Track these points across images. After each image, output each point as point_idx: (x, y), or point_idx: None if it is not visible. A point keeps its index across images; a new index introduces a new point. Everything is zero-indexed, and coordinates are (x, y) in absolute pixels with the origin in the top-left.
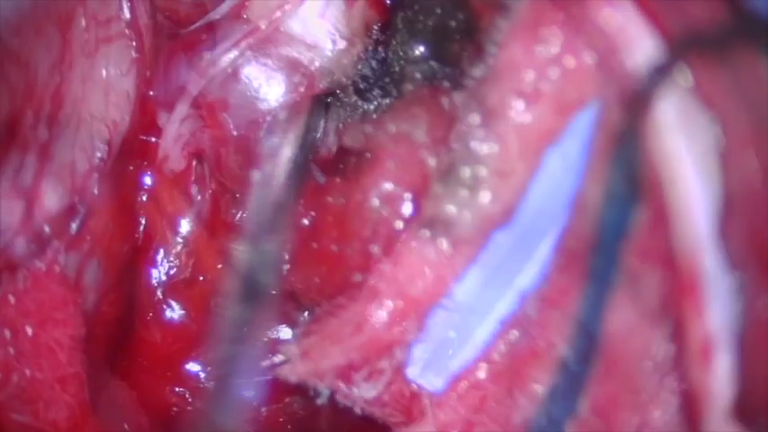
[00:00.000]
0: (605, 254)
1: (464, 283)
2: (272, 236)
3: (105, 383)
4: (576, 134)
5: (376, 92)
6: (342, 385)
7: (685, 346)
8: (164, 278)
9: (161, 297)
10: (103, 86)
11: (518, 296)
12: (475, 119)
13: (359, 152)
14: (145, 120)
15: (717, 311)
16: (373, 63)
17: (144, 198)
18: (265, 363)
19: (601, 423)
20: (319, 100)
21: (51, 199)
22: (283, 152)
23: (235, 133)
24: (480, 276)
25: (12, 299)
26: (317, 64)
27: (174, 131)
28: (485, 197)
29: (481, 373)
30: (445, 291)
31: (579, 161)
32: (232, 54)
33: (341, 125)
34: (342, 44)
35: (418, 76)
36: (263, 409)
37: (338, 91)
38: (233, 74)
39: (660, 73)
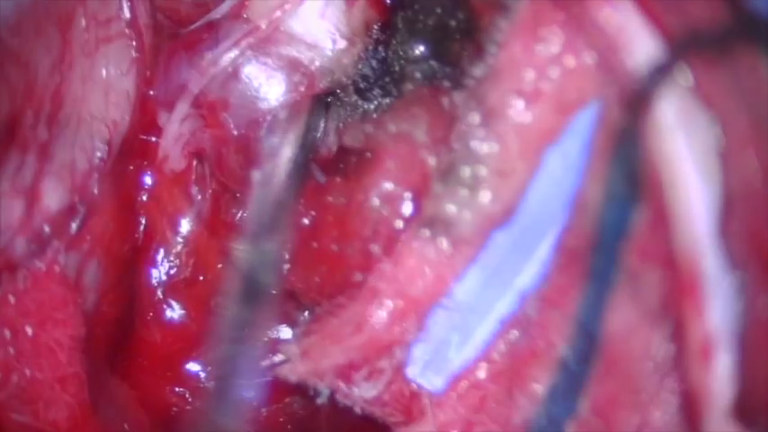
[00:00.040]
0: (605, 253)
1: (464, 282)
2: (273, 235)
3: (105, 383)
4: (576, 134)
5: (376, 91)
6: (342, 385)
7: (685, 345)
8: (164, 278)
9: (161, 297)
10: (103, 86)
11: (518, 296)
12: (475, 118)
13: (359, 152)
14: (145, 119)
15: (717, 311)
16: (373, 62)
17: (144, 198)
18: (265, 362)
19: (601, 423)
20: (319, 99)
21: (51, 199)
22: (284, 152)
23: (235, 133)
24: (480, 276)
25: (12, 299)
26: (317, 63)
27: (175, 131)
28: (485, 197)
29: (481, 373)
30: (445, 290)
31: (579, 161)
32: (232, 53)
33: (341, 125)
34: (342, 44)
35: (418, 75)
36: (263, 409)
37: (338, 90)
38: (233, 73)
39: (660, 72)
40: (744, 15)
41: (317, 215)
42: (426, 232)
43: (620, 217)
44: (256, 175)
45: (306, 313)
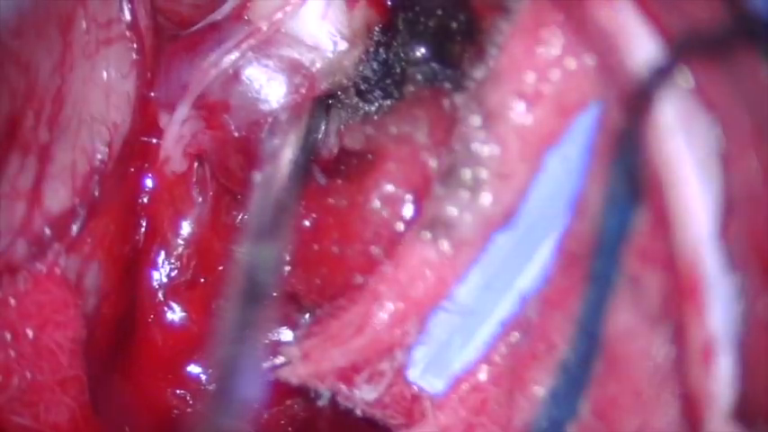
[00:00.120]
0: (606, 256)
1: (465, 284)
2: (274, 237)
3: (106, 385)
4: (577, 136)
5: (377, 93)
6: (343, 387)
7: (686, 348)
8: (165, 280)
9: (162, 299)
10: (104, 88)
11: (519, 298)
12: (476, 120)
13: (360, 153)
14: (146, 121)
15: (717, 313)
16: (374, 64)
17: (145, 200)
18: (266, 364)
19: (601, 425)
20: (320, 101)
21: (52, 201)
22: (284, 153)
23: (236, 134)
24: (481, 278)
25: (12, 301)
26: (318, 65)
27: (176, 132)
28: (486, 199)
29: (482, 375)
30: (446, 292)
31: (580, 163)
32: (233, 55)
33: (342, 126)
34: (343, 45)
35: (419, 77)
36: (264, 412)
37: (339, 92)
38: (234, 75)
39: (660, 74)
40: (744, 16)
41: (318, 217)
42: (427, 234)
43: (621, 219)
44: (257, 177)
45: (307, 315)
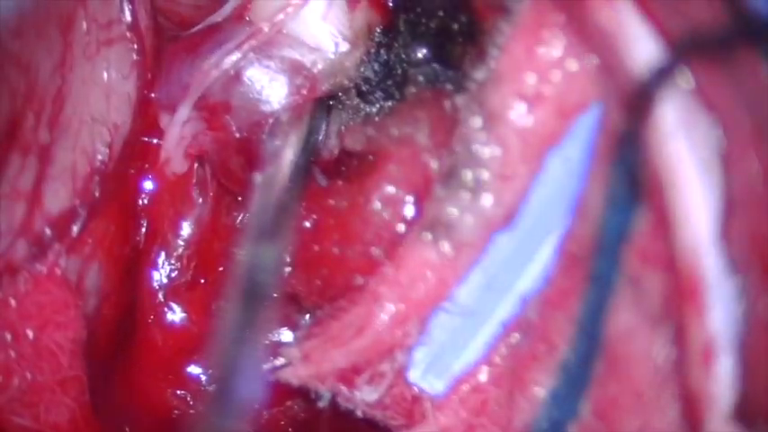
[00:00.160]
0: (606, 257)
1: (466, 285)
2: (274, 238)
3: (106, 386)
4: (578, 137)
5: (378, 94)
6: (343, 388)
7: (686, 348)
8: (165, 281)
9: (162, 300)
10: (104, 89)
11: (519, 299)
12: (477, 122)
13: (361, 155)
14: (147, 122)
15: (718, 314)
16: (376, 66)
17: (145, 201)
18: (267, 365)
19: (602, 426)
20: (321, 102)
21: (52, 202)
22: (285, 154)
23: (237, 135)
24: (482, 279)
25: (13, 302)
26: (319, 66)
27: (177, 133)
28: (487, 200)
29: (482, 376)
30: (447, 294)
31: (581, 164)
32: (234, 56)
33: (343, 128)
34: (344, 46)
35: (420, 78)
36: (265, 413)
37: (340, 94)
38: (235, 76)
39: (661, 75)
40: (745, 17)
41: (319, 218)
42: (428, 235)
43: (621, 220)
44: (258, 178)
45: (307, 317)
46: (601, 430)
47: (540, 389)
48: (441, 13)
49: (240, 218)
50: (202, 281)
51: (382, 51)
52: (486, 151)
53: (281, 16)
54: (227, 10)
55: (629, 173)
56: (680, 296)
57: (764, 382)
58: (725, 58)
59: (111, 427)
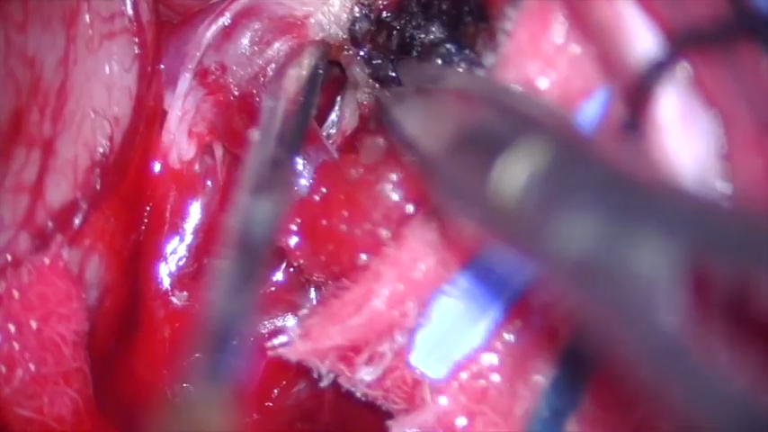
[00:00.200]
0: None
1: (468, 269)
2: (270, 192)
3: (109, 378)
4: (582, 124)
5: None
6: (343, 368)
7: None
8: (169, 272)
9: (166, 291)
10: (106, 82)
11: (523, 285)
12: None
13: (375, 134)
14: (149, 113)
15: None
16: (391, 47)
17: (150, 192)
18: (267, 343)
19: (603, 415)
20: (321, 53)
21: (54, 194)
22: (280, 107)
23: (237, 93)
24: (484, 264)
25: (16, 294)
26: (311, 18)
27: (179, 109)
28: None
29: (484, 363)
30: (448, 276)
31: None
32: (224, 15)
33: (358, 109)
34: None
35: (435, 59)
36: (270, 403)
37: (357, 78)
38: (226, 36)
39: (660, 69)
40: (745, 11)
41: (329, 192)
42: (434, 217)
43: None
44: (255, 133)
45: (312, 298)
46: (602, 420)
47: (542, 377)
48: None
49: None
50: (207, 271)
51: (395, 33)
52: None
53: None
54: None
55: None
56: None
57: None
58: (725, 53)
59: (114, 420)
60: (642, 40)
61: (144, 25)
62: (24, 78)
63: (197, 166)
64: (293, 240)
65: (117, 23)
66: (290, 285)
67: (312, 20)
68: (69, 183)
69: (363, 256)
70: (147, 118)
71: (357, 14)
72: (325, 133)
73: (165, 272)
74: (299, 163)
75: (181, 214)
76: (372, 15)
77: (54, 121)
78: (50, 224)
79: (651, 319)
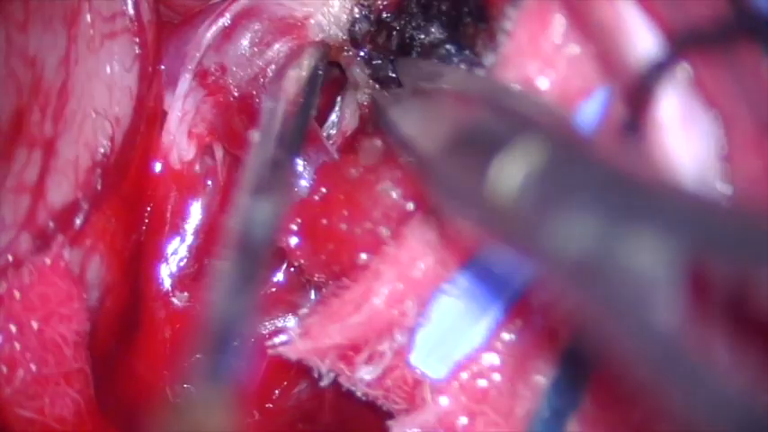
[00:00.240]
0: None
1: (469, 269)
2: (270, 193)
3: (110, 379)
4: (581, 124)
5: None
6: (343, 367)
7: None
8: (169, 273)
9: (167, 291)
10: (107, 82)
11: (523, 284)
12: None
13: (373, 136)
14: (149, 113)
15: None
16: (390, 48)
17: (151, 192)
18: (267, 342)
19: (604, 415)
20: (320, 53)
21: (55, 195)
22: (280, 107)
23: (236, 94)
24: (485, 264)
25: (17, 294)
26: (311, 19)
27: (179, 110)
28: None
29: (485, 363)
30: (447, 276)
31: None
32: (224, 16)
33: (357, 109)
34: None
35: (434, 60)
36: (271, 404)
37: (357, 79)
38: (226, 36)
39: (661, 69)
40: (745, 12)
41: (329, 192)
42: (433, 216)
43: None
44: (255, 134)
45: (312, 297)
46: (603, 420)
47: (543, 377)
48: None
49: None
50: (207, 272)
51: (395, 34)
52: None
53: None
54: None
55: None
56: None
57: None
58: (726, 54)
59: (115, 420)
60: (642, 40)
61: (145, 25)
62: (25, 78)
63: (197, 167)
64: (293, 240)
65: (118, 23)
66: (290, 286)
67: (312, 21)
68: (70, 183)
69: (363, 256)
70: (147, 118)
71: (357, 15)
72: (325, 134)
73: (166, 272)
74: (300, 164)
75: (181, 215)
76: (372, 16)
77: (55, 121)
78: (51, 224)
79: (650, 318)
